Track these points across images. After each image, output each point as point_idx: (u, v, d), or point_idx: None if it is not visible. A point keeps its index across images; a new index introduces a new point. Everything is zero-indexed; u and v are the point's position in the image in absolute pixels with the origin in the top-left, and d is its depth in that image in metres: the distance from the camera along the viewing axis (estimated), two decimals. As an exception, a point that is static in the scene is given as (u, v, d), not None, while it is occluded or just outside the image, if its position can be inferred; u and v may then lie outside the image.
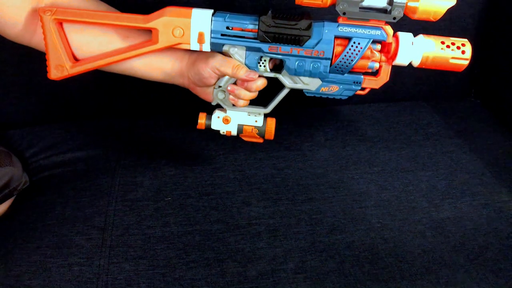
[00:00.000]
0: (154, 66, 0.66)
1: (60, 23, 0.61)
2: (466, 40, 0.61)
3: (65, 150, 0.85)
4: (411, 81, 0.98)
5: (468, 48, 0.60)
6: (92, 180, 0.78)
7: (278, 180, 0.78)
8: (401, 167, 0.81)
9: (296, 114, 0.94)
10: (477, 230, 0.69)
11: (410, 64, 0.62)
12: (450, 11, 0.89)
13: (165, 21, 0.60)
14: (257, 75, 0.62)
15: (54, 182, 0.79)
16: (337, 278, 0.63)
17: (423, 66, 0.61)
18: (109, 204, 0.73)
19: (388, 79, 0.62)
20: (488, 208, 0.73)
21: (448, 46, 0.60)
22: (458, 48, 0.60)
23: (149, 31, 0.62)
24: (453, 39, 0.61)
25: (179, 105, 0.90)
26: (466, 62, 0.60)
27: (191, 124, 0.90)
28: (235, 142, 0.85)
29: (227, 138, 0.74)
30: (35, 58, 0.84)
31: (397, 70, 0.95)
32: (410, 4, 0.56)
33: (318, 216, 0.71)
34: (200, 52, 0.62)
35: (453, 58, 0.60)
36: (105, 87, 0.90)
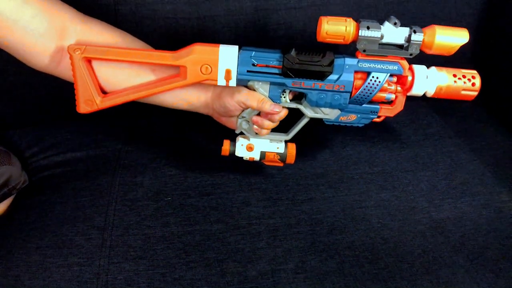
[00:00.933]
0: (180, 98, 0.68)
1: (89, 60, 0.63)
2: (475, 72, 0.65)
3: (65, 150, 0.85)
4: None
5: (477, 81, 0.64)
6: (92, 180, 0.78)
7: (278, 180, 0.78)
8: (401, 167, 0.81)
9: (296, 114, 0.93)
10: (477, 230, 0.69)
11: (424, 95, 0.65)
12: (450, 11, 0.90)
13: (194, 59, 0.61)
14: (281, 108, 0.65)
15: (54, 182, 0.79)
16: (337, 278, 0.63)
17: (437, 96, 0.65)
18: (109, 204, 0.73)
19: (402, 108, 0.66)
20: (488, 208, 0.73)
21: (459, 79, 0.64)
22: (469, 80, 0.64)
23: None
24: (463, 71, 0.64)
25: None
26: (476, 93, 0.64)
27: (191, 124, 0.90)
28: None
29: (227, 138, 0.74)
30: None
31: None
32: (427, 40, 0.60)
33: (318, 216, 0.71)
34: (225, 87, 0.65)
35: (464, 89, 0.64)
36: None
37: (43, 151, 0.85)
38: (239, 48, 0.62)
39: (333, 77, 0.62)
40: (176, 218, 0.71)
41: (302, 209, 0.72)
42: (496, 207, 0.73)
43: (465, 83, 0.64)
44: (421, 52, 0.61)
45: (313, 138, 0.87)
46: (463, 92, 0.64)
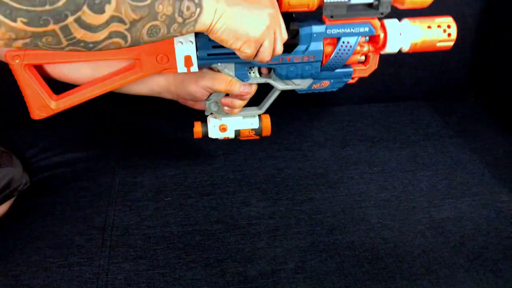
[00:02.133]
0: (139, 85, 0.64)
1: (33, 66, 0.58)
2: (451, 19, 0.61)
3: (65, 151, 0.85)
4: (411, 81, 0.98)
5: (453, 30, 0.60)
6: (92, 180, 0.78)
7: (278, 180, 0.78)
8: (401, 167, 0.81)
9: (296, 114, 0.94)
10: (477, 230, 0.69)
11: (399, 51, 0.62)
12: (450, 11, 0.90)
13: (147, 50, 0.57)
14: (251, 88, 0.62)
15: (54, 182, 0.79)
16: (337, 278, 0.63)
17: (412, 51, 0.61)
18: (109, 204, 0.73)
19: (376, 66, 0.62)
20: (488, 208, 0.73)
21: (434, 29, 0.60)
22: (444, 31, 0.60)
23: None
24: (438, 20, 0.61)
25: (179, 105, 0.90)
26: (452, 43, 0.61)
27: (191, 124, 0.90)
28: (235, 142, 0.85)
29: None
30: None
31: (396, 70, 0.95)
32: None
33: (318, 216, 0.71)
34: (186, 74, 0.61)
35: (440, 41, 0.61)
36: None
37: (44, 152, 0.85)
38: (196, 33, 0.55)
39: (301, 48, 0.58)
40: (176, 218, 0.71)
41: (302, 209, 0.72)
42: (496, 207, 0.73)
43: (440, 34, 0.60)
44: (394, 8, 0.57)
45: (313, 138, 0.87)
46: (439, 44, 0.61)
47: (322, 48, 0.59)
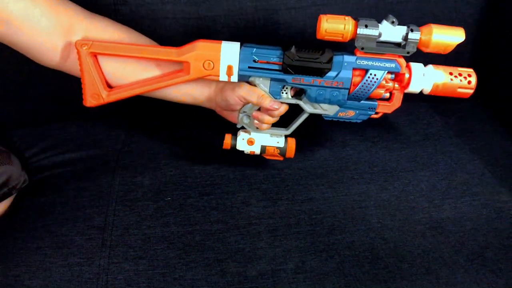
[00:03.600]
0: (184, 92, 0.70)
1: (95, 55, 0.65)
2: (471, 70, 0.65)
3: (65, 150, 0.85)
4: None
5: (473, 79, 0.65)
6: (92, 180, 0.78)
7: (278, 180, 0.78)
8: (401, 167, 0.81)
9: (296, 114, 0.93)
10: (477, 230, 0.69)
11: (421, 92, 0.66)
12: (450, 11, 0.90)
13: (196, 55, 0.63)
14: (280, 105, 0.66)
15: (54, 182, 0.79)
16: (337, 278, 0.63)
17: (433, 93, 0.66)
18: (109, 204, 0.73)
19: (400, 104, 0.67)
20: (488, 208, 0.73)
21: (456, 77, 0.65)
22: (465, 78, 0.65)
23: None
24: (460, 69, 0.65)
25: (179, 105, 0.90)
26: (472, 91, 0.65)
27: (191, 124, 0.90)
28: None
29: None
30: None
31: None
32: (424, 38, 0.60)
33: (318, 216, 0.71)
34: (227, 82, 0.66)
35: (460, 87, 0.65)
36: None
37: (43, 151, 0.86)
38: (241, 45, 0.64)
39: (332, 73, 0.63)
40: (176, 218, 0.71)
41: (302, 209, 0.72)
42: (496, 207, 0.73)
43: (461, 81, 0.64)
44: (418, 50, 0.62)
45: (313, 138, 0.87)
46: (459, 90, 0.65)
47: (351, 77, 0.63)
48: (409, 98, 0.98)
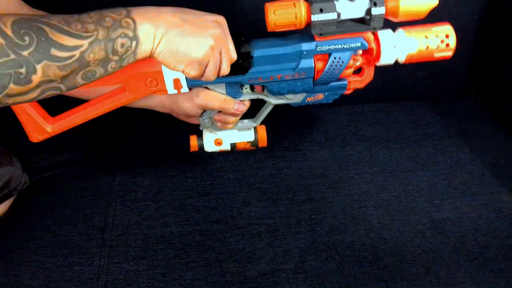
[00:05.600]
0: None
1: None
2: (449, 28, 0.58)
3: (65, 151, 0.85)
4: (411, 81, 0.98)
5: (452, 40, 0.57)
6: (92, 180, 0.78)
7: (278, 180, 0.78)
8: (401, 167, 0.80)
9: (296, 114, 0.93)
10: (477, 230, 0.69)
11: (396, 62, 0.60)
12: (450, 10, 0.90)
13: (134, 75, 0.56)
14: (246, 106, 0.62)
15: (54, 182, 0.79)
16: (337, 278, 0.63)
17: (409, 62, 0.59)
18: (109, 204, 0.73)
19: (372, 77, 0.61)
20: (488, 208, 0.73)
21: (432, 40, 0.57)
22: (442, 41, 0.57)
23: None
24: (436, 29, 0.58)
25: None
26: (451, 53, 0.58)
27: (191, 124, 0.90)
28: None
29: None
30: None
31: (397, 71, 0.95)
32: (391, 7, 0.53)
33: (318, 216, 0.71)
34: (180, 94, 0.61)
35: (438, 51, 0.58)
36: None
37: (43, 152, 0.85)
38: None
39: (291, 65, 0.57)
40: (176, 218, 0.71)
41: (302, 209, 0.72)
42: (496, 207, 0.73)
43: (438, 46, 0.57)
44: (388, 21, 0.55)
45: (313, 138, 0.87)
46: (437, 55, 0.58)
47: (313, 65, 0.58)
48: (409, 98, 0.99)
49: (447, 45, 0.57)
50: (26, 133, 0.61)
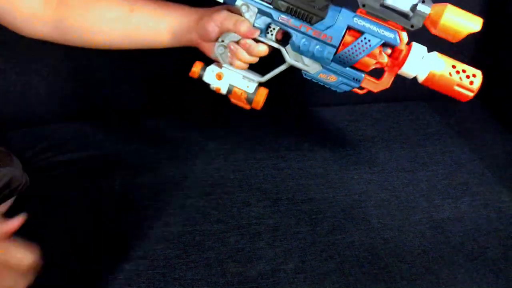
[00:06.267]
0: (162, 28, 0.65)
1: None
2: (479, 71, 0.58)
3: (65, 151, 0.85)
4: (411, 81, 0.97)
5: (477, 80, 0.57)
6: (92, 181, 0.78)
7: (278, 180, 0.78)
8: (401, 167, 0.80)
9: (296, 114, 0.94)
10: (477, 230, 0.69)
11: (415, 79, 0.60)
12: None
13: None
14: (258, 33, 0.60)
15: (54, 182, 0.79)
16: (337, 278, 0.63)
17: (428, 85, 0.59)
18: (109, 204, 0.73)
19: (388, 86, 0.61)
20: (488, 208, 0.73)
21: (457, 72, 0.57)
22: (468, 77, 0.57)
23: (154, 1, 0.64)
24: (466, 66, 0.58)
25: (179, 105, 0.90)
26: (471, 94, 0.57)
27: (191, 124, 0.90)
28: (235, 142, 0.85)
29: (227, 138, 0.74)
30: (35, 58, 0.84)
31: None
32: (433, 14, 0.54)
33: (318, 216, 0.71)
34: (208, 9, 0.63)
35: (458, 85, 0.57)
36: (105, 87, 0.90)
37: (43, 152, 0.85)
38: None
39: (323, 24, 0.58)
40: (176, 218, 0.71)
41: (302, 209, 0.72)
42: (496, 207, 0.73)
43: (462, 79, 0.57)
44: (427, 33, 0.56)
45: (313, 138, 0.87)
46: (457, 88, 0.57)
47: (342, 33, 0.58)
48: (409, 97, 0.99)
49: (471, 83, 0.57)
50: None
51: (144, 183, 0.77)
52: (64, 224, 0.71)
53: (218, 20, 0.61)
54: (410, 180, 0.78)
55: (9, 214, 0.76)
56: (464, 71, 0.57)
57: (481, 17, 0.85)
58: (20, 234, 0.70)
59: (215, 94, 0.65)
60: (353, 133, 0.88)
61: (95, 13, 0.65)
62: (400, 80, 0.96)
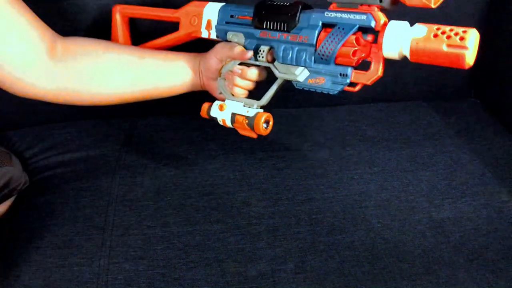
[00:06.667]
0: (174, 73, 0.71)
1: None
2: (472, 28, 0.49)
3: (65, 151, 0.85)
4: (411, 81, 0.98)
5: (470, 36, 0.48)
6: (92, 180, 0.78)
7: (278, 180, 0.78)
8: (401, 167, 0.80)
9: (296, 114, 0.94)
10: (477, 230, 0.69)
11: (405, 59, 0.54)
12: (450, 10, 0.90)
13: (185, 12, 0.72)
14: (250, 53, 0.64)
15: (54, 182, 0.79)
16: (337, 278, 0.63)
17: (417, 58, 0.51)
18: (109, 204, 0.73)
19: (381, 73, 0.56)
20: (488, 208, 0.73)
21: (443, 32, 0.49)
22: (457, 34, 0.49)
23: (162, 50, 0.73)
24: (454, 27, 0.50)
25: (179, 105, 0.90)
26: (465, 51, 0.48)
27: (191, 124, 0.90)
28: (235, 142, 0.85)
29: (227, 138, 0.74)
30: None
31: (397, 70, 0.95)
32: None
33: (318, 216, 0.71)
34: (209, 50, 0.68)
35: (448, 45, 0.49)
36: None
37: (43, 152, 0.86)
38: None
39: (298, 28, 0.61)
40: (176, 218, 0.71)
41: (302, 209, 0.72)
42: (496, 207, 0.73)
43: (450, 38, 0.48)
44: (405, 8, 0.52)
45: (313, 138, 0.87)
46: (448, 50, 0.49)
47: (316, 31, 0.59)
48: (409, 98, 0.99)
49: (461, 39, 0.48)
50: None
51: (144, 183, 0.77)
52: (64, 224, 0.71)
53: (217, 50, 0.66)
54: (410, 180, 0.78)
55: (9, 213, 0.77)
56: (451, 30, 0.49)
57: (482, 17, 0.84)
58: (20, 233, 0.71)
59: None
60: (353, 133, 0.88)
61: (106, 58, 0.67)
62: (400, 80, 0.97)
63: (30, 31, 0.60)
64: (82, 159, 0.83)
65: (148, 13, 0.77)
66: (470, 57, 0.49)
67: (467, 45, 0.48)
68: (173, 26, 0.74)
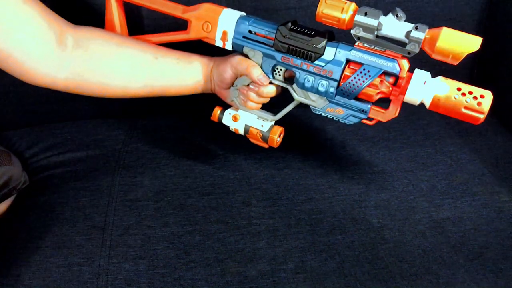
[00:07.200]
0: (186, 75, 0.69)
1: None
2: (488, 92, 0.56)
3: (65, 150, 0.85)
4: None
5: (486, 101, 0.55)
6: (92, 180, 0.78)
7: (278, 180, 0.78)
8: (401, 167, 0.80)
9: (296, 114, 0.93)
10: (477, 230, 0.69)
11: (423, 105, 0.59)
12: (450, 11, 0.90)
13: (198, 14, 0.65)
14: (268, 81, 0.64)
15: (54, 182, 0.79)
16: (337, 278, 0.63)
17: (435, 109, 0.57)
18: (109, 204, 0.73)
19: (396, 114, 0.61)
20: (488, 208, 0.73)
21: (463, 94, 0.55)
22: (475, 98, 0.55)
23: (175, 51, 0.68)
24: (473, 88, 0.56)
25: (179, 105, 0.90)
26: (481, 116, 0.55)
27: (191, 124, 0.90)
28: (235, 142, 0.85)
29: (227, 138, 0.74)
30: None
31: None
32: (429, 39, 0.53)
33: (318, 216, 0.71)
34: (222, 57, 0.66)
35: (466, 108, 0.55)
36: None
37: (43, 151, 0.86)
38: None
39: (322, 60, 0.60)
40: (176, 218, 0.71)
41: (302, 209, 0.72)
42: (496, 207, 0.73)
43: (469, 100, 0.55)
44: (428, 59, 0.56)
45: (313, 138, 0.87)
46: (465, 111, 0.55)
47: (342, 67, 0.59)
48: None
49: (479, 104, 0.54)
50: None
51: (144, 183, 0.77)
52: (64, 224, 0.71)
53: (233, 64, 0.65)
54: (410, 180, 0.78)
55: (9, 213, 0.77)
56: (470, 92, 0.55)
57: (482, 17, 0.84)
58: (20, 233, 0.71)
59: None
60: (353, 133, 0.88)
61: (119, 53, 0.66)
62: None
63: (37, 19, 0.60)
64: (82, 159, 0.83)
65: (150, 5, 0.70)
66: (483, 118, 0.55)
67: (483, 111, 0.55)
68: (182, 23, 0.70)
